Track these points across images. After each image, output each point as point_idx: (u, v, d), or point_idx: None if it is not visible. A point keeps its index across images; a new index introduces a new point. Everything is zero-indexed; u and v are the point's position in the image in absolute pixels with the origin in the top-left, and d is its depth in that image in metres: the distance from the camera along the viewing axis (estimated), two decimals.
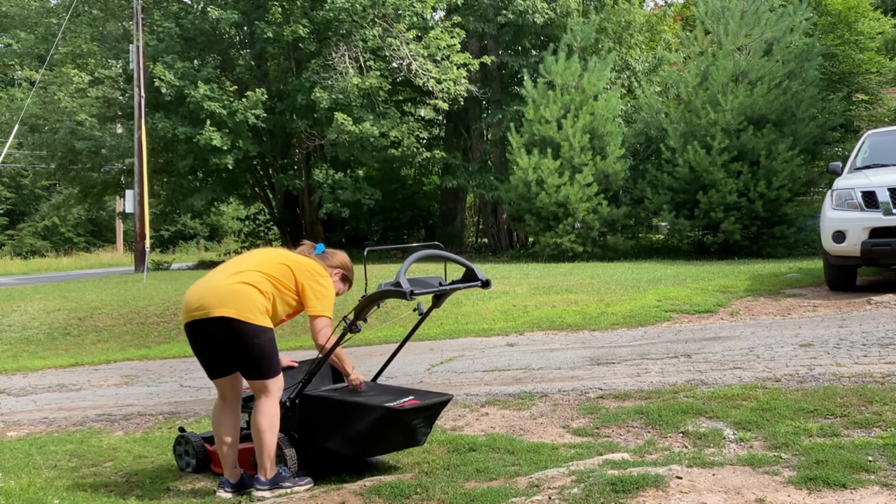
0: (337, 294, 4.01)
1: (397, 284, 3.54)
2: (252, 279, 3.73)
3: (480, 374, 6.14)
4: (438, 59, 19.38)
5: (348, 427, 3.81)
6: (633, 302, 9.11)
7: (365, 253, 3.83)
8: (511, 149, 16.92)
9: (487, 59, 20.23)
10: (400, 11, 19.10)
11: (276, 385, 3.77)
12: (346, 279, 4.17)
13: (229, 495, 3.78)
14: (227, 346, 3.71)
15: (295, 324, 10.33)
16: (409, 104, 22.97)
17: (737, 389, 4.77)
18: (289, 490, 3.72)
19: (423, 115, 21.58)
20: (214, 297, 3.67)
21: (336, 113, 18.15)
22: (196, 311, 3.69)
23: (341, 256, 4.15)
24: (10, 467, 4.57)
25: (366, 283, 3.82)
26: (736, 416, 4.29)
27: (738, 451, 3.81)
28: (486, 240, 23.79)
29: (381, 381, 4.41)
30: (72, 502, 3.82)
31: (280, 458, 3.86)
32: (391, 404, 3.81)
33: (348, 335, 3.84)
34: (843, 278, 8.69)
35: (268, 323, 3.71)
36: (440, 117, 23.22)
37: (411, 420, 3.81)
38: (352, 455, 3.96)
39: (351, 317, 3.78)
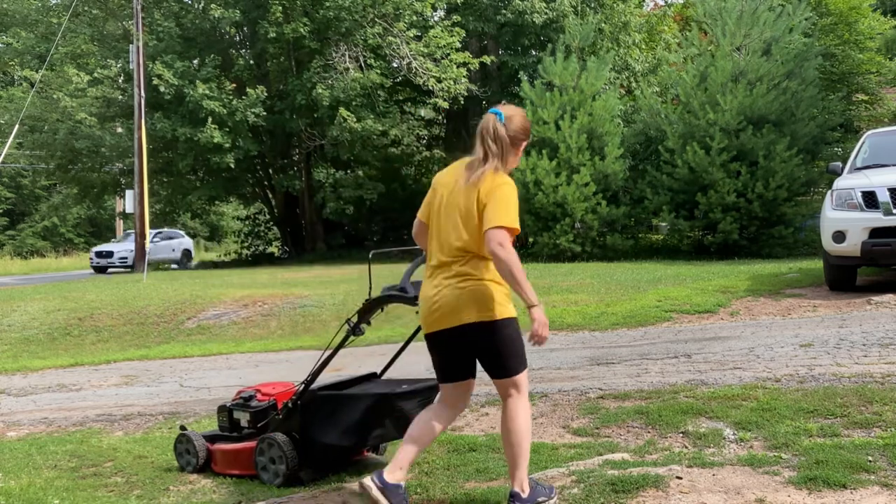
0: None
1: (402, 289, 3.55)
2: None
3: (480, 374, 6.13)
4: (438, 58, 19.40)
5: (344, 418, 3.83)
6: (633, 302, 9.10)
7: (370, 256, 3.82)
8: None
9: (487, 59, 20.24)
10: (400, 11, 19.11)
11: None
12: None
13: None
14: None
15: (295, 324, 10.34)
16: (409, 104, 22.98)
17: (737, 389, 4.77)
18: None
19: (423, 114, 21.59)
20: None
21: (340, 108, 18.16)
22: None
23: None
24: (10, 467, 4.57)
25: (370, 287, 3.82)
26: (736, 416, 4.29)
27: (738, 451, 3.81)
28: None
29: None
30: (72, 502, 3.82)
31: (281, 459, 3.86)
32: (384, 391, 3.85)
33: (351, 338, 3.84)
34: (843, 278, 8.69)
35: None
36: (440, 117, 23.24)
37: (405, 405, 3.84)
38: (350, 446, 3.96)
39: (354, 319, 3.79)
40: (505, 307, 3.14)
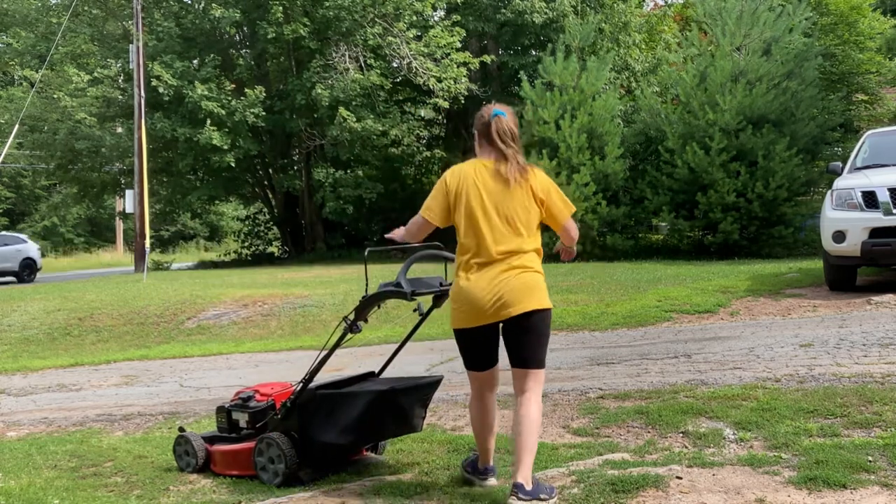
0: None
1: (398, 285, 3.55)
2: None
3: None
4: (438, 57, 19.40)
5: (343, 416, 3.82)
6: (633, 302, 9.11)
7: (366, 253, 3.83)
8: None
9: (487, 59, 20.23)
10: (400, 10, 19.11)
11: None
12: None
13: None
14: None
15: (295, 324, 10.34)
16: (409, 104, 22.98)
17: (737, 389, 4.77)
18: None
19: (423, 114, 21.59)
20: None
21: (340, 108, 18.16)
22: None
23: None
24: (10, 467, 4.57)
25: (366, 284, 3.82)
26: (736, 416, 4.29)
27: (738, 451, 3.81)
28: None
29: None
30: (72, 502, 3.82)
31: (280, 459, 3.86)
32: (381, 388, 3.85)
33: (349, 335, 3.84)
34: (843, 278, 8.69)
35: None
36: (440, 117, 23.24)
37: (404, 401, 3.84)
38: (349, 444, 3.95)
39: (351, 317, 3.78)
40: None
